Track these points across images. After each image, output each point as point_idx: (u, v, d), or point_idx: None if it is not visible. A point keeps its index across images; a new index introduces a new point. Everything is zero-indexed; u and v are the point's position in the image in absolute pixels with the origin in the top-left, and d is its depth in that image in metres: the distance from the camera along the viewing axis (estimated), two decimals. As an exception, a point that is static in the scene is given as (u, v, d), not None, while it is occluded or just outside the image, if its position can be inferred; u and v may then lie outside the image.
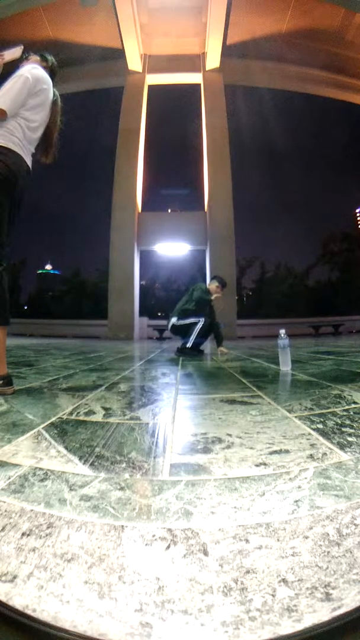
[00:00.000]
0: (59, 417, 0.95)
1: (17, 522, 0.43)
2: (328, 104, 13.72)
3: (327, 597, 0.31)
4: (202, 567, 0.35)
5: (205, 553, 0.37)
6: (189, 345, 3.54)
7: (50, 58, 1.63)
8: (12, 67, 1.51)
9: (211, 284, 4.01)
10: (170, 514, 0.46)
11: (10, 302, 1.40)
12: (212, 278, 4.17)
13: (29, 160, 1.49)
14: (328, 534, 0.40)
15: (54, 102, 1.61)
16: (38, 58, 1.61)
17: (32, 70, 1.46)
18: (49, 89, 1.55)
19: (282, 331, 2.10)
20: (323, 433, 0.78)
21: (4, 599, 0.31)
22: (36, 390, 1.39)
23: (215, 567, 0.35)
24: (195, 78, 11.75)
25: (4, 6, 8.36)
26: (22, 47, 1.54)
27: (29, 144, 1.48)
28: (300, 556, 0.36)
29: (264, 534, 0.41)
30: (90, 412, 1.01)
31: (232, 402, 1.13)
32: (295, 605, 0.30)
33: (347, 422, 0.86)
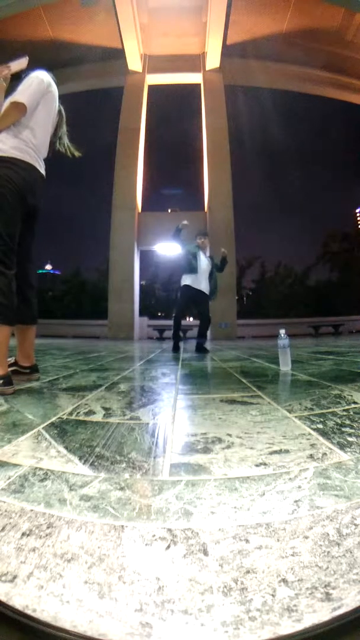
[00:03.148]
0: (59, 417, 0.95)
1: (17, 522, 0.43)
2: (328, 104, 13.72)
3: (327, 597, 0.31)
4: (202, 567, 0.35)
5: (205, 553, 0.37)
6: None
7: (52, 77, 1.69)
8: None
9: (204, 239, 4.13)
10: (170, 514, 0.46)
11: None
12: (197, 235, 4.20)
13: (42, 168, 1.55)
14: (328, 534, 0.40)
15: (59, 112, 1.69)
16: None
17: (44, 75, 1.53)
18: (55, 96, 1.62)
19: (282, 331, 2.10)
20: (323, 433, 0.78)
21: (4, 599, 0.31)
22: (36, 390, 1.39)
23: (215, 567, 0.35)
24: (195, 78, 11.74)
25: (4, 6, 8.36)
26: (27, 57, 1.61)
27: (40, 150, 1.54)
28: (300, 556, 0.36)
29: (264, 534, 0.41)
30: (90, 412, 1.01)
31: (232, 402, 1.13)
32: (295, 605, 0.30)
33: (347, 422, 0.86)
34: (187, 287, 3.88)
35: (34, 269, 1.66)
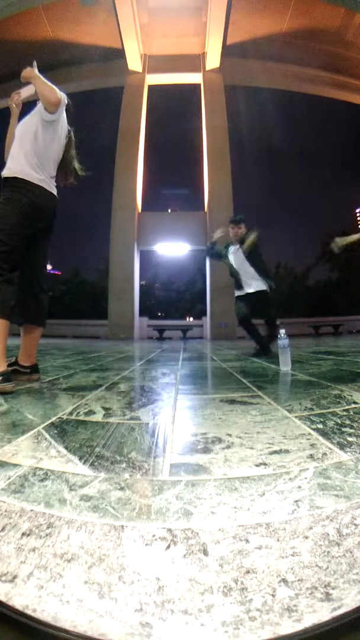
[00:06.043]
0: (59, 417, 0.95)
1: (17, 522, 0.43)
2: (328, 104, 13.71)
3: (327, 597, 0.31)
4: (202, 567, 0.35)
5: (205, 553, 0.37)
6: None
7: (67, 99, 1.74)
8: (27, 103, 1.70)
9: (235, 228, 3.27)
10: (170, 514, 0.46)
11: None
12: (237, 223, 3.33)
13: (52, 187, 1.64)
14: (328, 534, 0.40)
15: (68, 136, 1.76)
16: None
17: (65, 97, 1.63)
18: (64, 119, 1.69)
19: (282, 331, 2.10)
20: (323, 433, 0.78)
21: (4, 599, 0.31)
22: (36, 390, 1.39)
23: (215, 567, 0.35)
24: (195, 78, 11.74)
25: (4, 6, 8.36)
26: None
27: (50, 171, 1.64)
28: (300, 556, 0.36)
29: (264, 534, 0.41)
30: (90, 412, 1.01)
31: (232, 402, 1.13)
32: (295, 605, 0.30)
33: (347, 422, 0.86)
34: (236, 297, 3.33)
35: (46, 274, 1.80)
